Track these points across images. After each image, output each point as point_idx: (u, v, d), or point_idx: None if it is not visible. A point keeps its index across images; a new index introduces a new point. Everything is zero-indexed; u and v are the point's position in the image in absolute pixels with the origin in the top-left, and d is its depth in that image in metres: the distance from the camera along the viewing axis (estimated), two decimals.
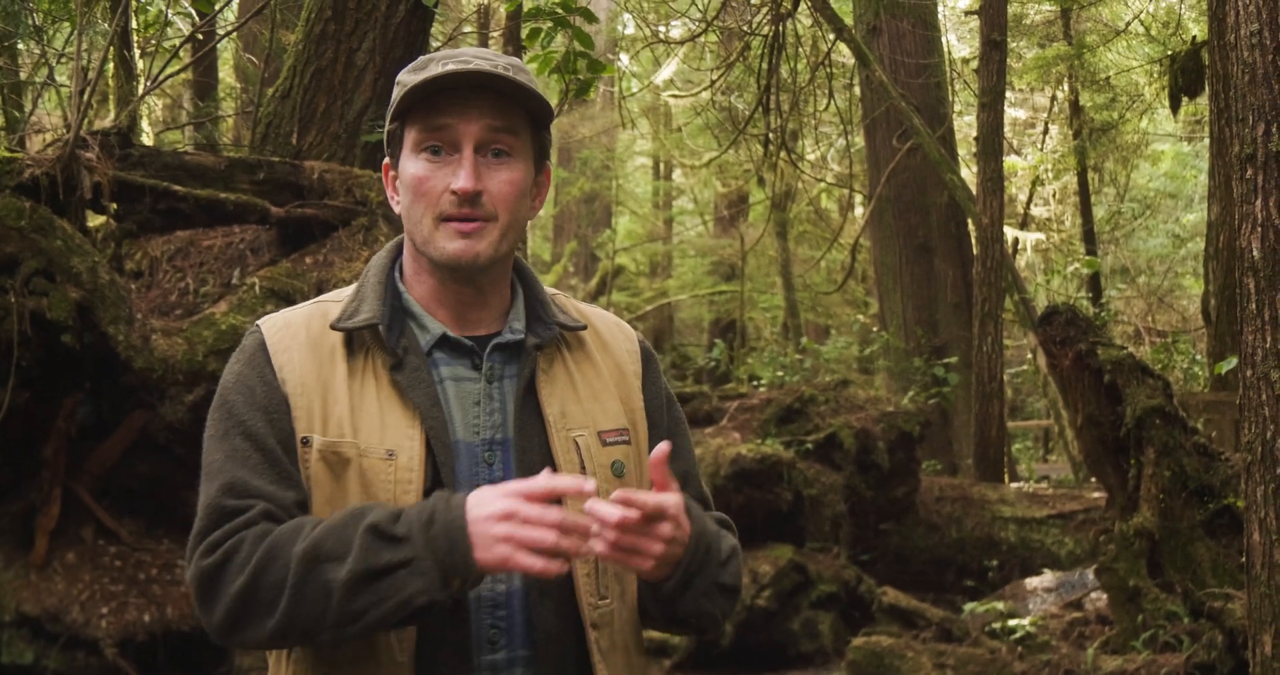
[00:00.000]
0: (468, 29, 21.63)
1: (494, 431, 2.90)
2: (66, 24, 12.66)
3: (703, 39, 23.17)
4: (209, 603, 2.72)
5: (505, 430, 2.91)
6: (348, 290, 3.04)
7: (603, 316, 3.22)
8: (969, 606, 11.51)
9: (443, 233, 2.86)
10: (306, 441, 2.84)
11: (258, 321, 3.00)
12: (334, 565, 2.61)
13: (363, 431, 2.83)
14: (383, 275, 3.01)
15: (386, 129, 2.97)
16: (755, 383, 19.59)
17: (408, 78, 2.89)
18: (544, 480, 2.60)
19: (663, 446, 2.73)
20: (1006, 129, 21.24)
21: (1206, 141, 16.42)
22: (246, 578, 2.66)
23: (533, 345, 2.97)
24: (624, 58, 28.11)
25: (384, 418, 2.84)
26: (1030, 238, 25.62)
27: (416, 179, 2.87)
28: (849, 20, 21.34)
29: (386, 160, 3.03)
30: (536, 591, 2.87)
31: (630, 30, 28.35)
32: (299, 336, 2.92)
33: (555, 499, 2.63)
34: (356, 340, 2.91)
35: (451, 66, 2.83)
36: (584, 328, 3.08)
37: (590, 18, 9.83)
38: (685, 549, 2.79)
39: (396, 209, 2.99)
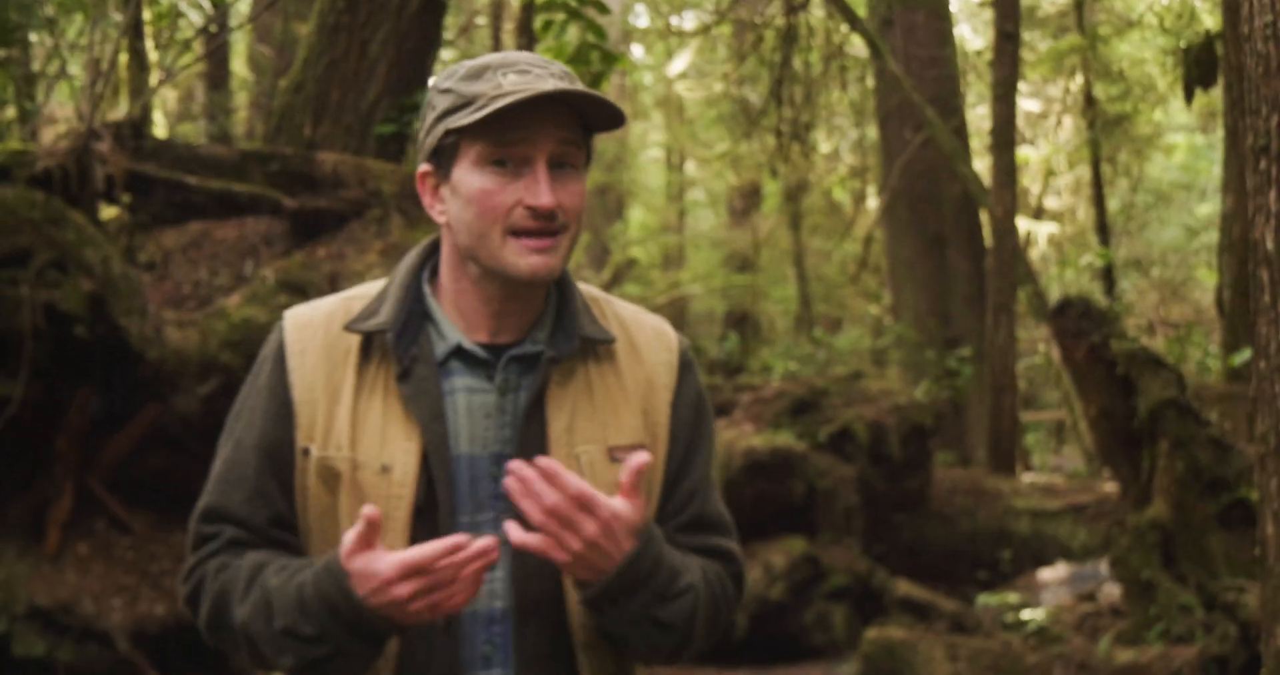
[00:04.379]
0: (481, 20, 21.65)
1: (502, 445, 2.86)
2: (79, 15, 12.67)
3: (716, 31, 23.17)
4: (197, 622, 2.89)
5: (513, 444, 2.86)
6: (378, 285, 2.99)
7: (642, 324, 3.11)
8: (982, 598, 11.50)
9: (512, 248, 2.78)
10: (306, 452, 2.84)
11: (286, 313, 2.98)
12: (271, 646, 2.73)
13: (362, 444, 2.81)
14: (409, 277, 2.95)
15: (436, 139, 2.86)
16: (768, 375, 19.60)
17: (467, 88, 2.81)
18: (428, 551, 2.58)
19: (640, 458, 2.68)
20: (1020, 121, 21.21)
21: (1220, 133, 16.39)
22: (207, 617, 2.83)
23: (548, 358, 2.89)
24: (637, 49, 28.10)
25: (385, 430, 2.82)
26: (1043, 229, 25.63)
27: (484, 192, 2.78)
28: (862, 12, 21.32)
29: (425, 167, 2.92)
30: (523, 612, 2.85)
31: (643, 22, 28.37)
32: (317, 337, 2.89)
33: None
34: (374, 342, 2.87)
35: (514, 78, 2.78)
36: (612, 340, 2.98)
37: (603, 9, 9.83)
38: (614, 565, 2.72)
39: (439, 218, 2.90)
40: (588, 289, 3.08)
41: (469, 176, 2.81)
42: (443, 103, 2.84)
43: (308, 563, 2.75)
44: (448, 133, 2.82)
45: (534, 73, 2.80)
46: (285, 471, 2.86)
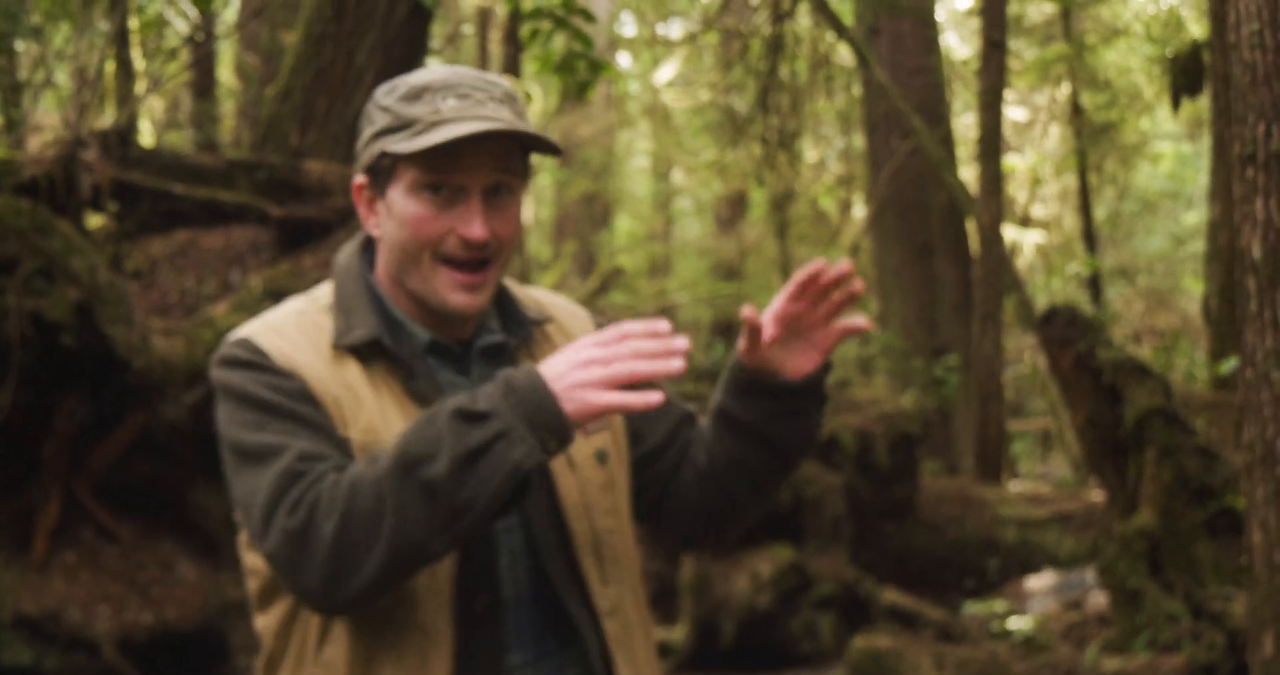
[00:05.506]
0: (467, 29, 21.65)
1: None
2: (66, 24, 12.66)
3: (702, 39, 23.18)
4: (302, 562, 2.61)
5: None
6: (321, 298, 2.96)
7: (556, 302, 3.19)
8: (969, 607, 11.52)
9: (443, 279, 2.80)
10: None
11: (241, 333, 2.88)
12: (428, 464, 2.53)
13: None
14: (361, 284, 2.93)
15: (372, 157, 2.86)
16: None
17: (404, 110, 2.81)
18: (613, 329, 2.58)
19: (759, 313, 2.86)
20: (1006, 129, 21.23)
21: (1207, 141, 16.41)
22: (338, 518, 2.57)
23: (513, 346, 2.96)
24: (624, 58, 28.09)
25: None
26: (1030, 238, 25.63)
27: (417, 218, 2.78)
28: (849, 21, 21.34)
29: (361, 180, 2.92)
30: (564, 587, 2.86)
31: (630, 30, 28.38)
32: (300, 341, 2.84)
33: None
34: (362, 351, 2.84)
35: (453, 103, 2.77)
36: (551, 320, 3.07)
37: (589, 18, 9.82)
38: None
39: (374, 231, 2.91)
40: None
41: (403, 200, 2.81)
42: (380, 120, 2.84)
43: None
44: (384, 154, 2.82)
45: (474, 97, 2.80)
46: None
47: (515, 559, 2.86)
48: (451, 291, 2.80)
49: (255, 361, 2.81)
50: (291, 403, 2.75)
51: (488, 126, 2.73)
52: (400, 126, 2.79)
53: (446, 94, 2.80)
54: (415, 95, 2.82)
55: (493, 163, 2.80)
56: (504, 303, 3.03)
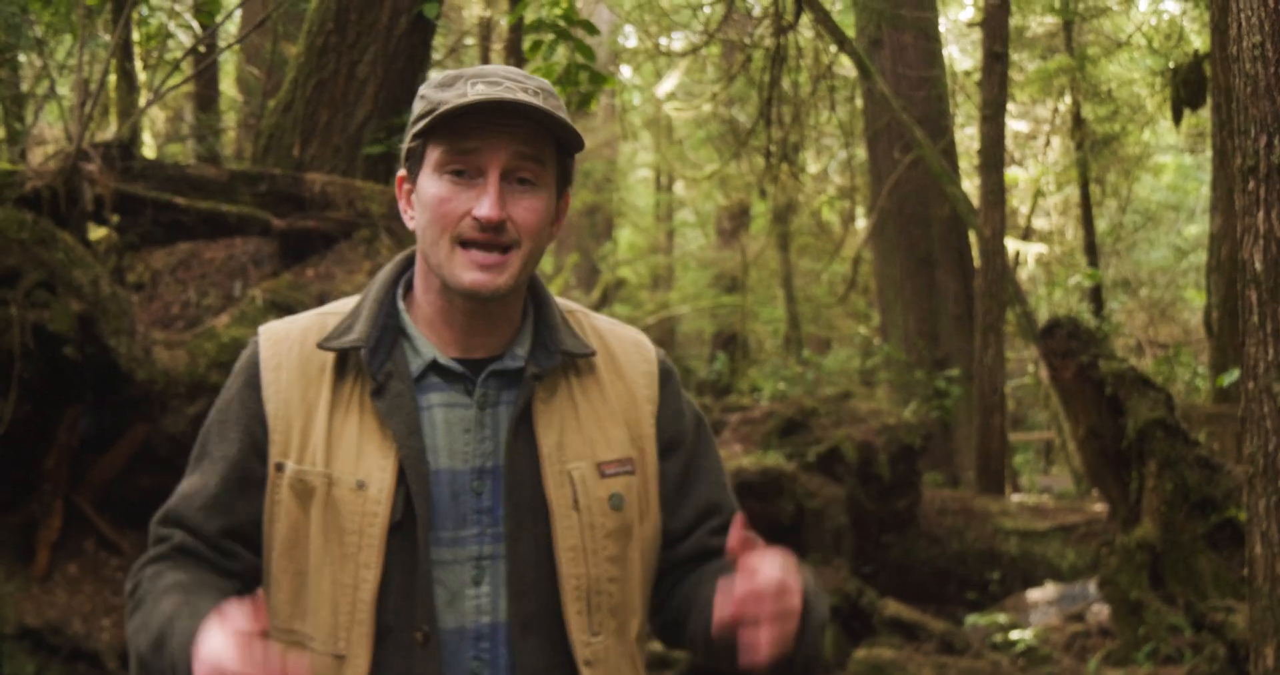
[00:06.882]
0: (469, 41, 21.65)
1: (484, 460, 2.84)
2: (68, 36, 12.67)
3: (704, 51, 23.17)
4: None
5: (496, 459, 2.84)
6: (352, 301, 2.98)
7: (620, 336, 3.10)
8: (970, 618, 11.49)
9: (460, 259, 2.77)
10: (280, 467, 2.82)
11: (261, 328, 2.96)
12: (137, 664, 2.72)
13: (337, 460, 2.79)
14: (383, 292, 2.94)
15: (407, 144, 2.87)
16: (757, 395, 19.58)
17: (435, 94, 2.82)
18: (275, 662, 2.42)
19: (735, 531, 2.63)
20: (1008, 141, 21.23)
21: (1209, 153, 16.43)
22: (128, 616, 2.81)
23: (532, 374, 2.87)
24: (626, 70, 28.09)
25: (361, 446, 2.80)
26: (1032, 250, 25.61)
27: (437, 199, 2.78)
28: (851, 33, 21.33)
29: (401, 172, 2.94)
30: (521, 627, 2.81)
31: (632, 42, 28.37)
32: (293, 352, 2.88)
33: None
34: (349, 359, 2.86)
35: (481, 88, 2.77)
36: (593, 353, 2.96)
37: (592, 30, 9.82)
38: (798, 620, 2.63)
39: (410, 225, 2.90)
40: (564, 303, 3.06)
41: (427, 182, 2.82)
42: (417, 108, 2.86)
43: (205, 607, 2.61)
44: (414, 138, 2.84)
45: (504, 85, 2.79)
46: (254, 486, 2.84)
47: (496, 590, 2.81)
48: (466, 271, 2.77)
49: (243, 372, 2.94)
50: (229, 439, 2.90)
51: (501, 97, 2.74)
52: (430, 111, 2.80)
53: (477, 81, 2.80)
54: (449, 83, 2.84)
55: (513, 147, 2.78)
56: (542, 329, 2.96)
